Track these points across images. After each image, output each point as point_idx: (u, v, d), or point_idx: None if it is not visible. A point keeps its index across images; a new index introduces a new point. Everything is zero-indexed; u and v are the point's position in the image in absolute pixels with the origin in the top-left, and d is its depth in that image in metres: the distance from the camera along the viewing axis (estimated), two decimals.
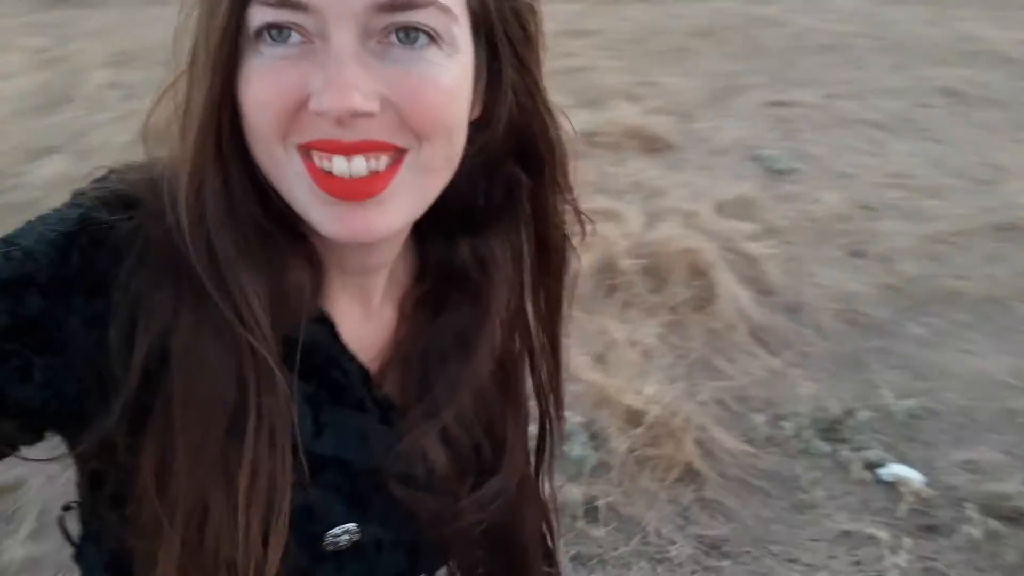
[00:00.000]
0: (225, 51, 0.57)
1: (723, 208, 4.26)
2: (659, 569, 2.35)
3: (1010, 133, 5.52)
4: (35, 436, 0.63)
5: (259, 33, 0.58)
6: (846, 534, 2.46)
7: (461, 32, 0.61)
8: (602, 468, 2.64)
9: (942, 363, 3.24)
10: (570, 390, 2.44)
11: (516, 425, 0.85)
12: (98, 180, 0.68)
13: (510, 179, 0.73)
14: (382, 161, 0.60)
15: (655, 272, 3.65)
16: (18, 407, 0.59)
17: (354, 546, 0.72)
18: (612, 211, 4.04)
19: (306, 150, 0.59)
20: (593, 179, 4.27)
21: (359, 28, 0.57)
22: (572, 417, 2.64)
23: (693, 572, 2.34)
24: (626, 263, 3.65)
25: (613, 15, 7.92)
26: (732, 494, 2.60)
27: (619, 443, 2.70)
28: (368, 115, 0.57)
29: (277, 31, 0.57)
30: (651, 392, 2.90)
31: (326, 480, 0.70)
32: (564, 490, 2.45)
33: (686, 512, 2.53)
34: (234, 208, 0.63)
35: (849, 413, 2.94)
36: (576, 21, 7.50)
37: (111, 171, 0.70)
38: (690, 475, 2.64)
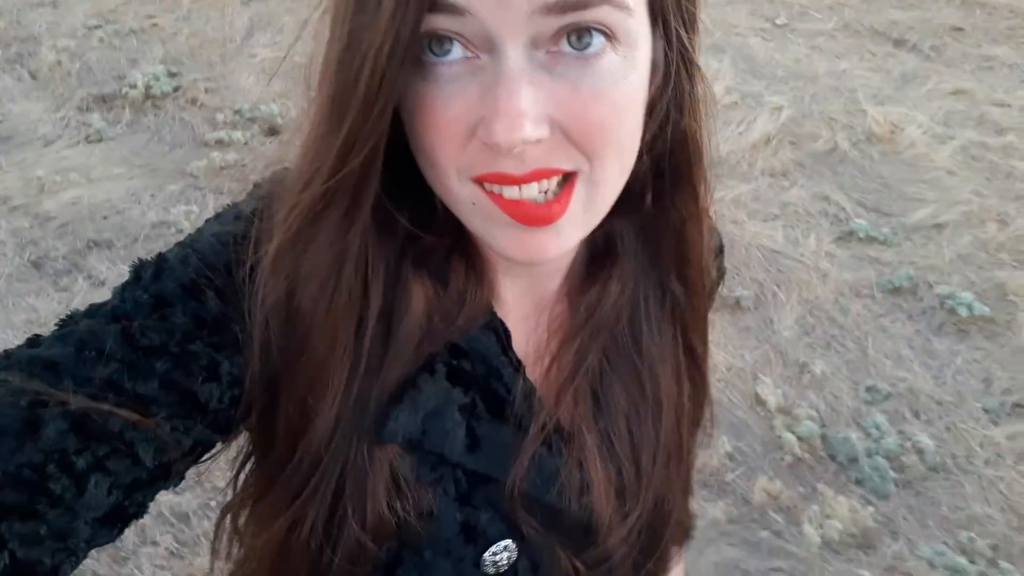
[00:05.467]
0: (397, 63, 0.52)
1: None
2: None
3: None
4: (226, 434, 0.64)
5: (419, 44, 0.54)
6: None
7: (639, 26, 0.56)
8: None
9: None
10: (1020, 542, 2.56)
11: (666, 446, 0.76)
12: (280, 171, 0.68)
13: (640, 178, 0.66)
14: (553, 183, 0.57)
15: None
16: (209, 406, 0.60)
17: (512, 569, 0.71)
18: None
19: (478, 181, 0.58)
20: None
21: (527, 38, 0.52)
22: (1011, 570, 2.44)
23: None
24: None
25: None
26: None
27: None
28: (538, 141, 0.54)
29: (438, 43, 0.54)
30: None
31: (484, 497, 0.69)
32: None
33: None
34: (388, 222, 0.63)
35: None
36: None
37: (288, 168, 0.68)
38: None
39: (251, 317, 0.62)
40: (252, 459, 0.73)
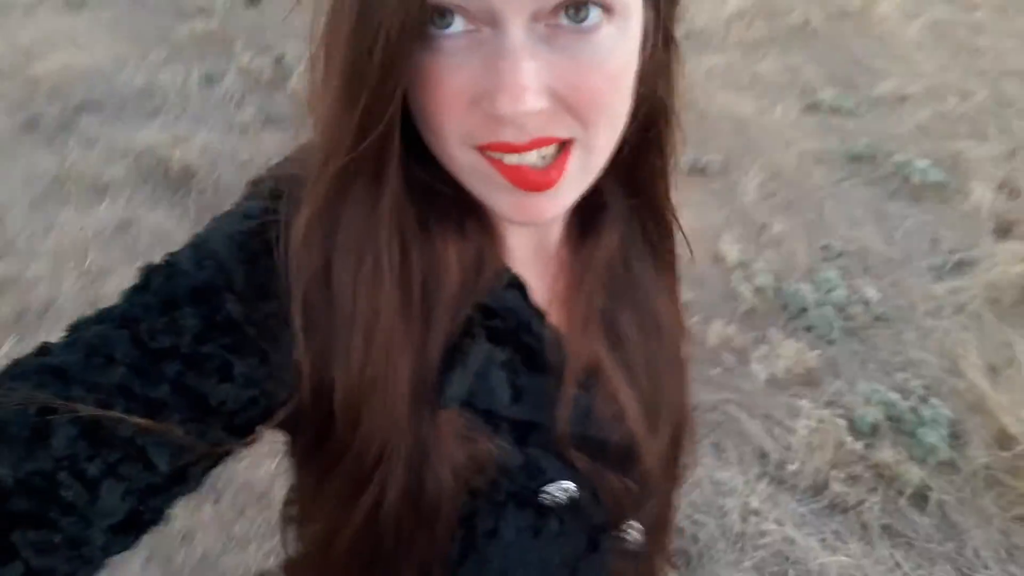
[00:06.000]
0: (408, 38, 0.54)
1: None
2: None
3: None
4: (243, 438, 0.62)
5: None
6: None
7: None
8: (948, 467, 2.58)
9: None
10: (950, 383, 2.85)
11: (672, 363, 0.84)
12: (275, 166, 0.70)
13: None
14: (551, 148, 0.60)
15: None
16: (222, 409, 0.59)
17: (572, 501, 0.73)
18: None
19: (480, 149, 0.60)
20: None
21: (528, 13, 0.54)
22: (940, 406, 2.70)
23: None
24: None
25: None
26: None
27: (977, 454, 2.59)
28: (539, 112, 0.56)
29: (440, 15, 0.55)
30: None
31: (536, 440, 0.72)
32: (903, 466, 2.51)
33: (1015, 550, 2.42)
34: (410, 182, 0.63)
35: None
36: None
37: (286, 158, 0.71)
38: None
39: (285, 302, 0.61)
40: (297, 448, 0.73)
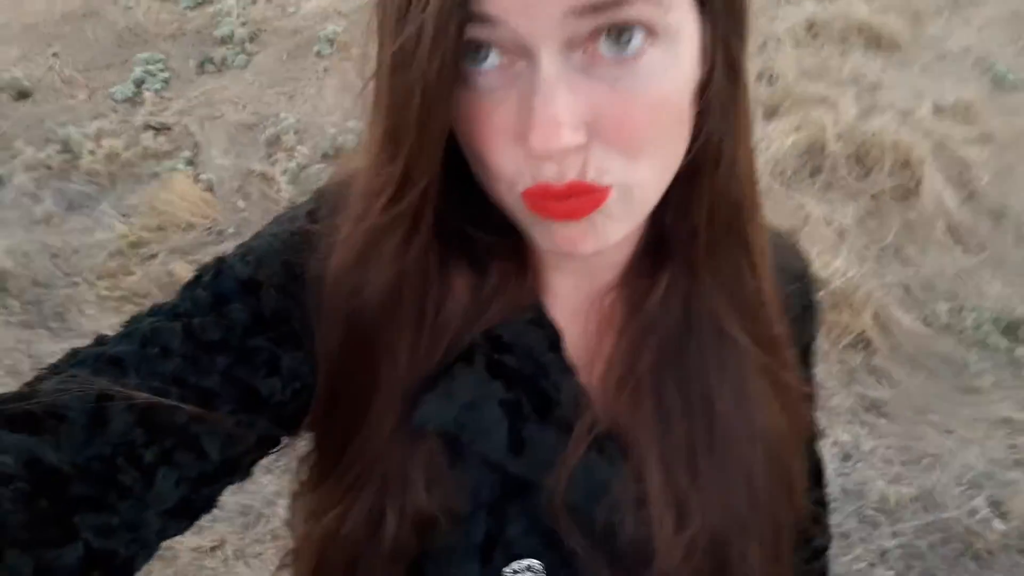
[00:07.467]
0: (445, 83, 0.51)
1: (941, 111, 3.96)
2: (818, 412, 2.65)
3: None
4: (290, 430, 0.63)
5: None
6: (1007, 421, 2.62)
7: (680, 14, 0.52)
8: None
9: None
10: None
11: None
12: (347, 175, 0.66)
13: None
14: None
15: (862, 160, 3.57)
16: (271, 401, 0.60)
17: None
18: (827, 98, 3.89)
19: (523, 195, 0.56)
20: (812, 67, 4.18)
21: (561, 41, 0.50)
22: None
23: (849, 421, 2.62)
24: (834, 147, 3.58)
25: None
26: (900, 366, 2.78)
27: None
28: (578, 148, 0.52)
29: (474, 51, 0.52)
30: (838, 265, 3.00)
31: (521, 506, 0.64)
32: None
33: (853, 372, 2.76)
34: (441, 225, 0.60)
35: None
36: None
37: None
38: (863, 343, 2.82)
39: (313, 319, 0.62)
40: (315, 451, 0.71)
